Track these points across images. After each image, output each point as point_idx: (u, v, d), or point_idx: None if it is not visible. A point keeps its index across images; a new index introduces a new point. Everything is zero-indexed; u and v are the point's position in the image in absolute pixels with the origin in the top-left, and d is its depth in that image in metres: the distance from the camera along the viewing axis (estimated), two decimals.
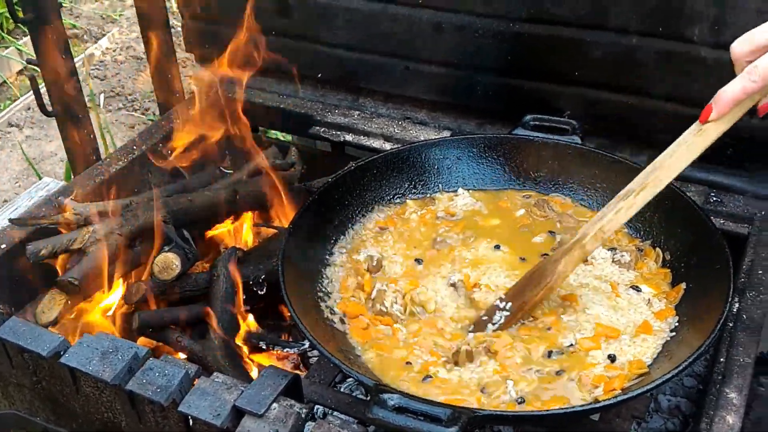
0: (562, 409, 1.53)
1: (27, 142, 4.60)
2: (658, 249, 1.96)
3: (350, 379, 1.95)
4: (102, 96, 5.05)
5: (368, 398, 1.53)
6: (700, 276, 1.83)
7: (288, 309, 1.68)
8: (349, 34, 2.44)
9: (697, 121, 1.58)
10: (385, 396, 1.45)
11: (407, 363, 1.72)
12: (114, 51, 5.67)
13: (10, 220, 1.96)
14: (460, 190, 2.17)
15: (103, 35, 5.77)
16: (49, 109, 2.21)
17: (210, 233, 2.36)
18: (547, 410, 1.54)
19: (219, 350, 1.95)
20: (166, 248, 1.98)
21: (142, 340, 2.05)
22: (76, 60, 4.61)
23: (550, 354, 1.71)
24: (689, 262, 1.88)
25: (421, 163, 2.19)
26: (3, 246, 2.02)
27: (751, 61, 1.43)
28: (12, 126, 4.79)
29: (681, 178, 2.20)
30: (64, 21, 2.20)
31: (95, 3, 6.21)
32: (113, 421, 1.79)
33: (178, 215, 2.15)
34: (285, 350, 2.01)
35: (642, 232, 2.03)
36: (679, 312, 1.80)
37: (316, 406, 1.83)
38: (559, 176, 2.17)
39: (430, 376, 1.68)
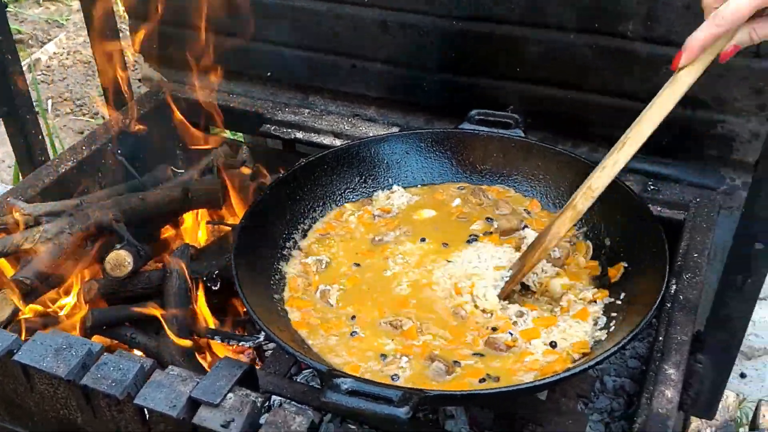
0: (509, 387, 1.59)
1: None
2: (588, 242, 2.03)
3: (306, 371, 1.99)
4: (50, 101, 4.99)
5: (322, 384, 1.57)
6: (639, 260, 1.91)
7: (242, 301, 1.71)
8: (296, 34, 2.47)
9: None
10: (338, 380, 1.49)
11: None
12: (61, 56, 5.60)
13: None
14: (395, 187, 2.22)
15: (50, 40, 5.70)
16: None
17: (164, 232, 2.38)
18: (495, 389, 1.60)
19: (173, 346, 1.97)
20: (118, 246, 1.99)
21: (97, 338, 2.06)
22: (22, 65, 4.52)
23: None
24: (628, 248, 1.96)
25: (371, 158, 2.24)
26: None
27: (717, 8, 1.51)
28: None
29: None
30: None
31: (40, 8, 6.13)
32: (69, 418, 1.80)
33: (130, 214, 2.16)
34: (240, 344, 2.04)
35: (582, 220, 2.10)
36: (619, 295, 1.87)
37: (273, 397, 1.86)
38: (504, 168, 2.24)
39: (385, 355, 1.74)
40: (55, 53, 5.59)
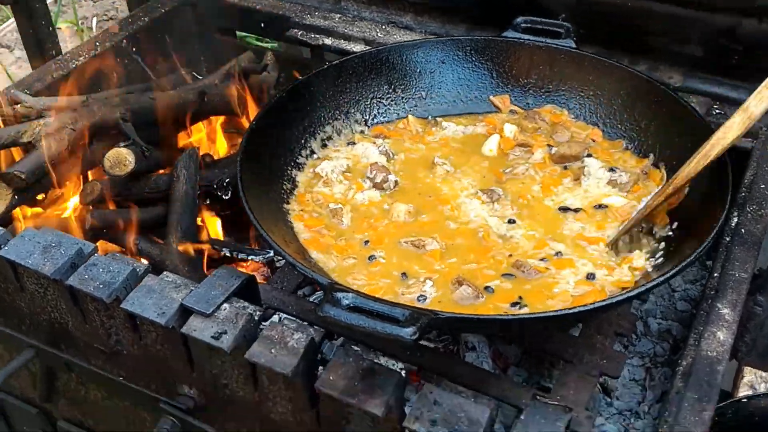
0: (533, 314, 1.41)
1: (17, 64, 4.44)
2: (663, 170, 1.80)
3: (319, 293, 1.84)
4: (95, 19, 4.85)
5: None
6: (697, 187, 1.68)
7: (244, 205, 1.54)
8: None
9: None
10: (340, 294, 1.32)
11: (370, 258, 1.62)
12: None
13: None
14: (444, 123, 2.00)
15: None
16: None
17: (181, 140, 2.23)
18: (516, 315, 1.42)
19: (178, 255, 1.82)
20: (122, 144, 1.84)
21: (102, 244, 1.93)
22: None
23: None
24: None
25: (402, 65, 2.03)
26: None
27: None
28: (2, 47, 4.62)
29: (681, 89, 2.07)
30: None
31: None
32: (60, 321, 1.68)
33: (140, 114, 2.00)
34: (249, 258, 1.88)
35: (637, 143, 1.88)
36: (670, 224, 1.66)
37: (276, 314, 1.71)
38: (551, 82, 2.02)
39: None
40: None
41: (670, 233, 1.64)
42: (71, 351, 1.74)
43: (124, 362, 1.68)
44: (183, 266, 1.81)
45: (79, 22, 4.56)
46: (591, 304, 1.36)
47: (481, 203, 1.76)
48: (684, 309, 1.91)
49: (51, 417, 1.99)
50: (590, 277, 1.58)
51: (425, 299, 1.53)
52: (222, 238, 1.97)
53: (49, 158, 1.81)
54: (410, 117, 2.01)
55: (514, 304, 1.52)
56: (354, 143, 1.93)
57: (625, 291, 1.45)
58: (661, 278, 1.40)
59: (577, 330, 1.65)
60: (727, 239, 1.66)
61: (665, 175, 1.80)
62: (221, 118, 2.24)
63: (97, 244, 1.91)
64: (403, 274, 1.60)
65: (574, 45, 1.99)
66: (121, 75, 2.18)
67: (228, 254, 1.88)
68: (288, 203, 1.74)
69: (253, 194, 1.59)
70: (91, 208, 1.89)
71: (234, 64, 2.26)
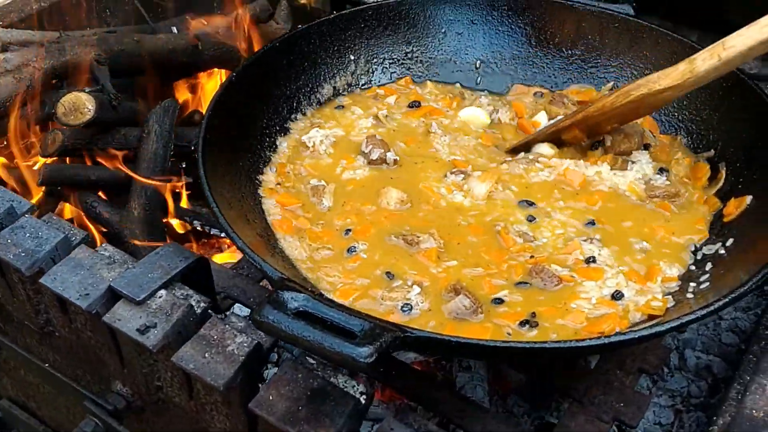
0: (521, 343, 1.11)
1: None
2: (723, 169, 1.47)
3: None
4: None
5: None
6: (763, 200, 1.35)
7: (199, 169, 1.27)
8: None
9: None
10: (288, 295, 1.04)
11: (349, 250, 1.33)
12: None
13: None
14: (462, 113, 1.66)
15: None
16: None
17: (178, 93, 1.97)
18: (503, 343, 1.12)
19: (138, 224, 1.57)
20: (86, 90, 1.59)
21: (67, 207, 1.70)
22: None
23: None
24: (750, 176, 1.40)
25: (425, 23, 1.72)
26: None
27: None
28: None
29: (757, 76, 1.71)
30: None
31: None
32: None
33: (119, 58, 1.75)
34: (222, 234, 1.62)
35: (695, 135, 1.55)
36: (725, 240, 1.33)
37: (236, 305, 1.45)
38: (599, 56, 1.69)
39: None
40: None
41: (722, 251, 1.31)
42: (6, 326, 1.52)
43: (57, 345, 1.45)
44: (142, 237, 1.56)
45: None
46: (598, 338, 1.07)
47: (494, 187, 1.46)
48: (730, 342, 1.58)
49: None
50: (616, 296, 1.26)
51: (410, 310, 1.24)
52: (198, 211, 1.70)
53: (5, 98, 1.57)
54: (429, 83, 1.71)
55: (523, 323, 1.22)
56: (342, 107, 1.64)
57: (653, 323, 1.13)
58: (702, 312, 1.08)
59: (593, 359, 1.34)
60: None
61: (724, 174, 1.46)
62: (221, 72, 1.98)
63: (61, 203, 1.69)
64: (388, 273, 1.30)
65: (632, 12, 1.65)
66: (119, 16, 1.93)
67: (198, 228, 1.63)
68: (262, 173, 1.46)
69: (216, 158, 1.33)
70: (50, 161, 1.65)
71: (241, 11, 1.99)
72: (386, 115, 1.60)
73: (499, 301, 1.26)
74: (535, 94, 1.70)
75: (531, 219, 1.40)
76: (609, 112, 1.43)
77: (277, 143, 1.53)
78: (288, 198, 1.42)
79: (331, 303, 1.06)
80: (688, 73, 1.32)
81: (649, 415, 1.46)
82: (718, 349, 1.57)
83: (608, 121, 1.47)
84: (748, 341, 1.34)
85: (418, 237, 1.36)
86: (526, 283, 1.29)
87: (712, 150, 1.51)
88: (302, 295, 1.05)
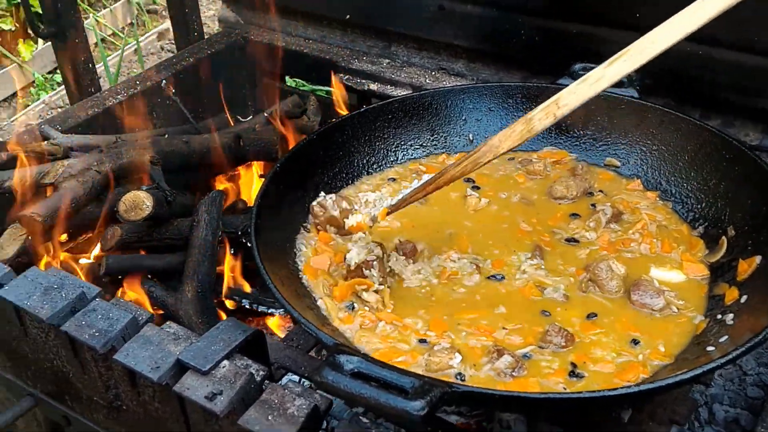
0: (569, 394, 1.21)
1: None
2: (729, 232, 1.58)
3: None
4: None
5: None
6: None
7: (253, 252, 1.41)
8: None
9: None
10: (343, 358, 1.16)
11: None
12: None
13: None
14: None
15: None
16: (43, 30, 2.03)
17: (217, 186, 2.14)
18: (544, 393, 1.22)
19: (192, 305, 1.70)
20: (144, 188, 1.75)
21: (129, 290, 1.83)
22: (151, 33, 4.42)
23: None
24: (758, 238, 1.51)
25: (447, 111, 1.89)
26: None
27: None
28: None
29: (759, 148, 1.85)
30: None
31: None
32: (62, 370, 1.57)
33: (171, 158, 1.92)
34: (269, 311, 1.75)
35: (704, 204, 1.67)
36: (738, 297, 1.44)
37: (288, 374, 1.56)
38: (609, 135, 1.84)
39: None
40: None
41: (740, 307, 1.42)
42: (74, 403, 1.63)
43: (124, 419, 1.55)
44: (196, 317, 1.68)
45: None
46: (626, 387, 1.16)
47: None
48: (756, 396, 1.67)
49: None
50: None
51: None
52: (247, 290, 1.84)
53: (71, 201, 1.73)
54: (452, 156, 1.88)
55: (571, 375, 1.32)
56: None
57: (678, 373, 1.24)
58: (722, 359, 1.18)
59: (626, 414, 1.43)
60: None
61: (726, 242, 1.57)
62: (261, 163, 2.15)
63: (121, 290, 1.82)
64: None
65: (636, 95, 1.81)
66: (161, 116, 2.11)
67: (247, 306, 1.76)
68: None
69: (267, 240, 1.47)
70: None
71: (275, 108, 2.18)
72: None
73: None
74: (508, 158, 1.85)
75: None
76: (459, 178, 1.48)
77: None
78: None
79: (383, 364, 1.17)
80: (526, 133, 1.38)
81: None
82: (745, 403, 1.65)
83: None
84: None
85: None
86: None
87: (701, 226, 1.64)
88: (356, 357, 1.16)
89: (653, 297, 1.44)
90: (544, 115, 1.36)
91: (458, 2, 2.09)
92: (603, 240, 1.61)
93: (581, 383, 1.30)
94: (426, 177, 1.77)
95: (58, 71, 4.54)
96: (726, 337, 1.35)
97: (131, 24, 5.04)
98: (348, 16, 2.28)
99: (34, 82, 4.46)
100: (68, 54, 2.02)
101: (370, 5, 2.23)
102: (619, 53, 1.31)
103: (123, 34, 4.68)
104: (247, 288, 1.84)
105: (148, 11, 5.11)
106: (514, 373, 1.33)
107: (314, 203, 1.64)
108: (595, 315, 1.44)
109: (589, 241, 1.62)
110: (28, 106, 4.36)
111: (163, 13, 5.70)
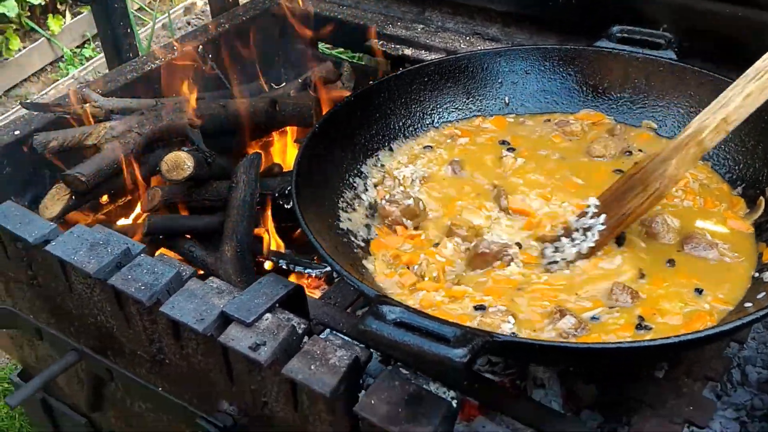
0: (603, 344, 1.22)
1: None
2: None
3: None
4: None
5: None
6: None
7: (295, 208, 1.44)
8: None
9: None
10: (386, 308, 1.18)
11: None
12: None
13: (23, 104, 1.81)
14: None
15: None
16: None
17: (252, 149, 2.16)
18: (586, 344, 1.24)
19: (231, 264, 1.73)
20: (184, 149, 1.78)
21: (163, 251, 1.87)
22: (174, 10, 4.45)
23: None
24: None
25: (483, 74, 1.89)
26: (17, 132, 1.87)
27: None
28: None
29: None
30: None
31: None
32: (105, 325, 1.61)
33: (209, 121, 1.95)
34: (306, 271, 1.77)
35: (742, 165, 1.67)
36: None
37: (326, 330, 1.58)
38: (646, 98, 1.83)
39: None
40: None
41: None
42: (116, 358, 1.67)
43: (167, 372, 1.59)
44: (236, 276, 1.72)
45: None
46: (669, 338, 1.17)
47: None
48: None
49: (99, 428, 1.93)
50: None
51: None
52: (282, 250, 1.87)
53: (112, 161, 1.76)
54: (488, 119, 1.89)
55: (639, 327, 1.33)
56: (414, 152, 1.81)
57: (716, 326, 1.25)
58: (756, 315, 1.19)
59: (661, 371, 1.44)
60: None
61: (764, 202, 1.58)
62: (294, 129, 2.17)
63: (160, 250, 1.86)
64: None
65: (674, 57, 1.80)
66: (197, 81, 2.14)
67: (284, 267, 1.78)
68: (347, 212, 1.62)
69: (308, 198, 1.49)
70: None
71: (310, 74, 2.19)
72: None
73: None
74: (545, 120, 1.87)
75: None
76: (643, 213, 1.48)
77: (356, 185, 1.69)
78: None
79: (425, 314, 1.20)
80: (699, 153, 1.40)
81: (716, 427, 1.54)
82: None
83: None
84: None
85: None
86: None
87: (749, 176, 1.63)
88: (398, 308, 1.19)
89: (706, 249, 1.46)
90: (715, 134, 1.38)
91: None
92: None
93: (649, 335, 1.31)
94: (462, 141, 1.82)
95: (86, 45, 4.60)
96: (764, 293, 1.36)
97: None
98: None
99: (63, 56, 4.51)
100: (107, 19, 2.05)
101: None
102: None
103: (149, 9, 4.71)
104: (275, 245, 1.87)
105: None
106: (576, 333, 1.32)
107: (383, 203, 1.63)
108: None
109: None
110: (57, 80, 4.42)
111: None
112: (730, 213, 1.58)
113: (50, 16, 4.53)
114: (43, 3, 4.46)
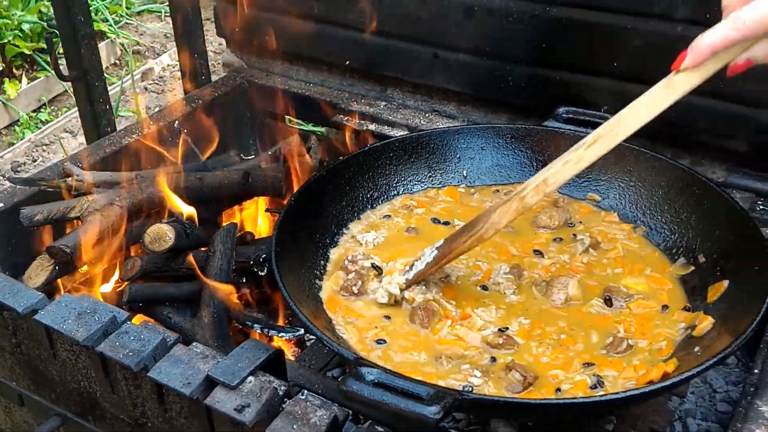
0: (567, 399, 1.36)
1: (79, 149, 4.63)
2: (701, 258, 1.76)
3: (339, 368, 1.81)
4: (157, 108, 5.07)
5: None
6: (737, 280, 1.64)
7: (275, 277, 1.56)
8: (377, 18, 2.33)
9: (670, 74, 1.43)
10: (365, 369, 1.30)
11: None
12: (174, 68, 5.73)
13: (9, 179, 1.90)
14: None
15: (165, 52, 5.84)
16: (65, 73, 2.17)
17: (225, 219, 2.27)
18: (550, 399, 1.37)
19: (208, 329, 1.83)
20: (164, 221, 1.89)
21: (139, 317, 1.95)
22: (135, 73, 4.57)
23: None
24: (725, 266, 1.69)
25: (442, 150, 2.06)
26: (1, 205, 1.96)
27: None
28: (66, 132, 4.84)
29: (725, 184, 2.04)
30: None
31: (162, 22, 6.32)
32: (89, 390, 1.69)
33: (185, 193, 2.06)
34: (279, 335, 1.88)
35: (677, 235, 1.84)
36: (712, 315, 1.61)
37: (302, 392, 1.68)
38: (590, 173, 2.01)
39: None
40: (168, 65, 5.71)
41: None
42: (97, 423, 1.74)
43: None
44: (212, 341, 1.81)
45: (142, 111, 4.75)
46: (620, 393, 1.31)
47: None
48: (725, 410, 1.83)
49: None
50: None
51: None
52: (252, 312, 1.97)
53: (94, 234, 1.86)
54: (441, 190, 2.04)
55: (593, 387, 1.45)
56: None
57: (656, 383, 1.39)
58: (696, 370, 1.34)
59: (611, 424, 1.58)
60: None
61: (695, 266, 1.75)
62: (265, 199, 2.29)
63: (137, 317, 1.94)
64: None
65: None
66: (173, 154, 2.25)
67: (259, 331, 1.88)
68: (321, 280, 1.74)
69: (285, 267, 1.61)
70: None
71: (279, 147, 2.33)
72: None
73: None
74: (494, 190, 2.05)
75: None
76: (466, 251, 1.64)
77: (329, 254, 1.82)
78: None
79: (400, 375, 1.32)
80: (521, 209, 1.56)
81: None
82: (715, 417, 1.81)
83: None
84: (735, 405, 1.58)
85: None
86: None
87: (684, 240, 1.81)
88: (375, 369, 1.31)
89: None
90: (534, 193, 1.54)
91: (451, 51, 2.27)
92: (577, 260, 1.80)
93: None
94: (418, 211, 1.98)
95: (42, 110, 4.68)
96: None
97: (114, 64, 5.19)
98: (347, 62, 2.46)
99: (18, 120, 4.57)
100: (87, 96, 2.16)
101: (368, 53, 2.41)
102: (595, 134, 1.50)
103: (107, 74, 4.80)
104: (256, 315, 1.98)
105: (133, 52, 5.28)
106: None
107: (346, 262, 1.77)
108: None
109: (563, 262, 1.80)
110: (14, 144, 4.47)
111: (146, 53, 5.88)
112: (655, 274, 1.75)
113: (6, 80, 4.60)
114: None
